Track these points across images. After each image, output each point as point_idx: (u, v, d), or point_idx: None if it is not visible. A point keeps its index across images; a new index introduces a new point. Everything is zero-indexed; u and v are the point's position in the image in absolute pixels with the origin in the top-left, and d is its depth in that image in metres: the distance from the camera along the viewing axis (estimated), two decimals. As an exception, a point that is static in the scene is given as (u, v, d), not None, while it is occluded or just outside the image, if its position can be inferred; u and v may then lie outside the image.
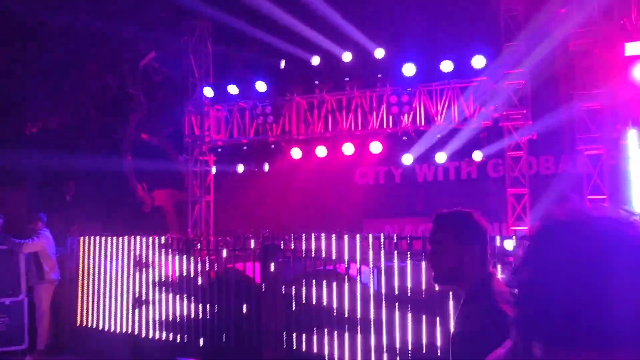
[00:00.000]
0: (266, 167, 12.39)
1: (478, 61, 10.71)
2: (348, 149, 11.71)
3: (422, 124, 11.33)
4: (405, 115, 11.31)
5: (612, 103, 10.03)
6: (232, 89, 12.63)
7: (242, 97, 12.70)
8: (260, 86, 12.35)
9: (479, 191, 12.45)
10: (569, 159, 10.77)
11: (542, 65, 10.64)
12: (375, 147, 11.49)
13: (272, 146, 12.34)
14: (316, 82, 12.04)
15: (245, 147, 12.62)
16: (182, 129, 13.10)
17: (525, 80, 10.53)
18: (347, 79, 11.81)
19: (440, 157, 11.07)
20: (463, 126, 11.03)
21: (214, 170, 13.12)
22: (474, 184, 12.52)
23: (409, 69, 11.17)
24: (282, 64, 12.25)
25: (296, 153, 12.17)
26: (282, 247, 7.18)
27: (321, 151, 11.94)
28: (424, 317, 6.08)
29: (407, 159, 11.30)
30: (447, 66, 10.92)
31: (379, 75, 11.53)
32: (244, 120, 12.79)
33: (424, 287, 6.28)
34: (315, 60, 11.99)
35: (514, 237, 6.39)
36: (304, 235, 7.03)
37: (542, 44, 10.74)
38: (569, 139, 10.49)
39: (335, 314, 6.50)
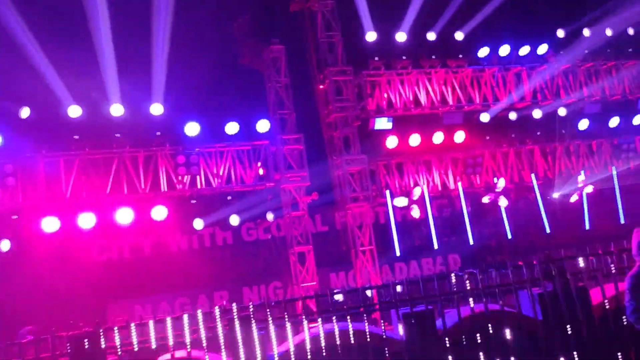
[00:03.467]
0: (5, 245, 9.21)
1: (263, 125, 10.98)
2: (124, 216, 9.95)
3: (203, 186, 10.71)
4: (187, 177, 10.50)
5: (368, 167, 11.86)
6: (-62, 140, 9.10)
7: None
8: (-10, 137, 9.32)
9: (236, 256, 12.30)
10: (341, 216, 11.99)
11: (311, 132, 11.75)
12: (159, 213, 10.15)
13: (15, 217, 9.35)
14: (75, 137, 9.90)
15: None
16: None
17: (302, 146, 11.34)
18: (117, 134, 10.15)
19: (234, 220, 10.65)
20: (247, 188, 10.97)
21: None
22: (230, 249, 12.28)
23: (192, 128, 10.50)
24: (25, 112, 9.57)
25: (50, 225, 9.51)
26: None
27: (87, 221, 9.74)
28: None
29: (198, 224, 10.41)
30: (232, 128, 10.78)
31: (158, 133, 10.39)
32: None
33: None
34: (75, 111, 9.85)
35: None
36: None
37: (310, 113, 11.92)
38: (340, 197, 11.74)
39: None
